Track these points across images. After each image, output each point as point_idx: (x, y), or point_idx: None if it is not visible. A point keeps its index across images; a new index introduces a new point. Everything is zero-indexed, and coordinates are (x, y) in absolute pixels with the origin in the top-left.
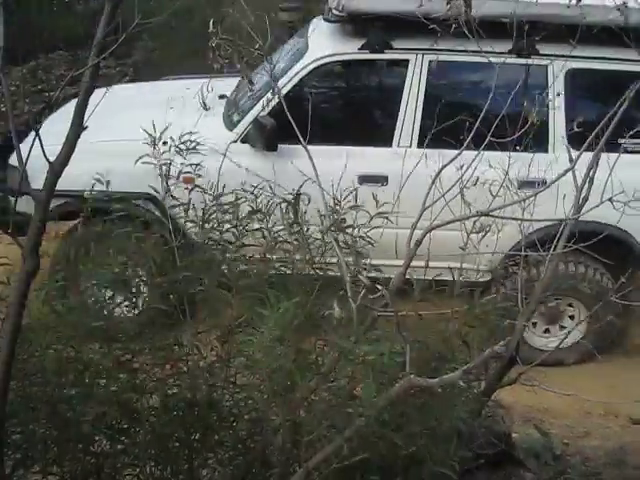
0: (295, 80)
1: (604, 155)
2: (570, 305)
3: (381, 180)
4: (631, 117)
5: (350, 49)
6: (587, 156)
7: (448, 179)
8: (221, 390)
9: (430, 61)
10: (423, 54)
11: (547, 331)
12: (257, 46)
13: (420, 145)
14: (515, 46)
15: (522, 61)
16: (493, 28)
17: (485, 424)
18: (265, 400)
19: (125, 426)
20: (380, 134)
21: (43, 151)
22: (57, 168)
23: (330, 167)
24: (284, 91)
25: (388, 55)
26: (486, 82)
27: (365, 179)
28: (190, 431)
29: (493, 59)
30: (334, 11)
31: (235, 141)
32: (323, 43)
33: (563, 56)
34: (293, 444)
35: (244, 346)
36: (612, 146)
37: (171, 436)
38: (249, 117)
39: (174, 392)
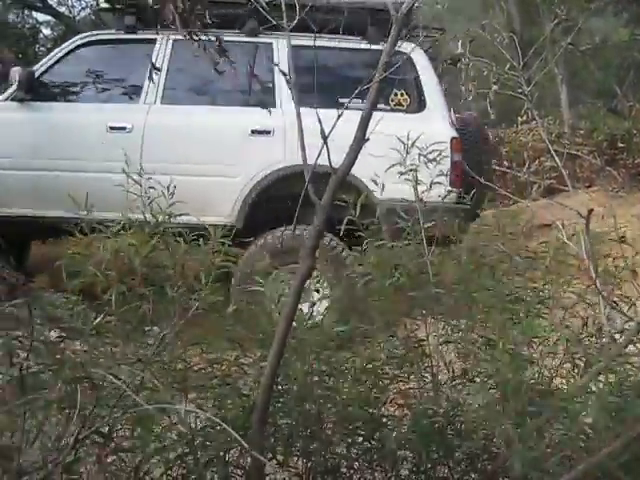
0: (65, 51)
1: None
2: None
3: (128, 129)
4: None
5: (109, 30)
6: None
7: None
8: (458, 405)
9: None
10: (168, 35)
11: None
12: None
13: (163, 102)
14: (245, 29)
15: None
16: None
17: None
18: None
19: (363, 432)
20: (131, 93)
21: (329, 159)
22: (341, 175)
23: (82, 120)
24: (55, 58)
25: (140, 35)
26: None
27: (114, 129)
28: (427, 443)
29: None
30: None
31: (5, 99)
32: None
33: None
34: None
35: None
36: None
37: (406, 446)
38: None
39: (415, 403)
